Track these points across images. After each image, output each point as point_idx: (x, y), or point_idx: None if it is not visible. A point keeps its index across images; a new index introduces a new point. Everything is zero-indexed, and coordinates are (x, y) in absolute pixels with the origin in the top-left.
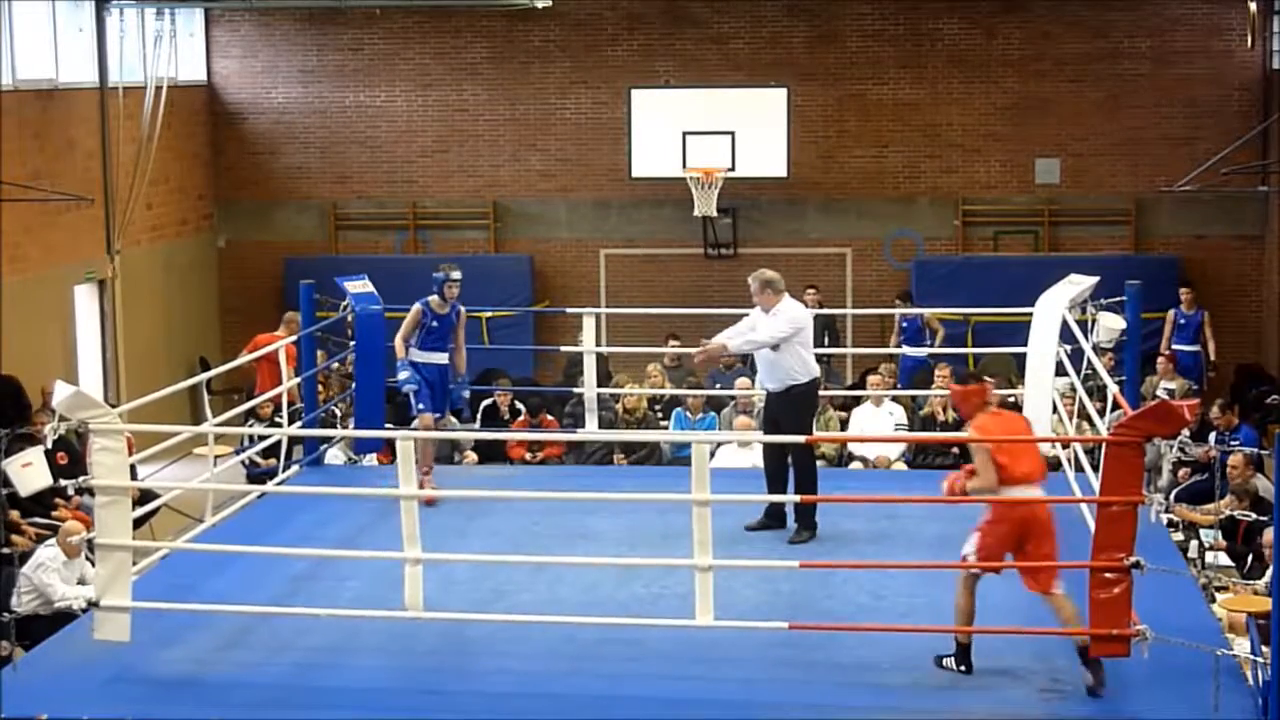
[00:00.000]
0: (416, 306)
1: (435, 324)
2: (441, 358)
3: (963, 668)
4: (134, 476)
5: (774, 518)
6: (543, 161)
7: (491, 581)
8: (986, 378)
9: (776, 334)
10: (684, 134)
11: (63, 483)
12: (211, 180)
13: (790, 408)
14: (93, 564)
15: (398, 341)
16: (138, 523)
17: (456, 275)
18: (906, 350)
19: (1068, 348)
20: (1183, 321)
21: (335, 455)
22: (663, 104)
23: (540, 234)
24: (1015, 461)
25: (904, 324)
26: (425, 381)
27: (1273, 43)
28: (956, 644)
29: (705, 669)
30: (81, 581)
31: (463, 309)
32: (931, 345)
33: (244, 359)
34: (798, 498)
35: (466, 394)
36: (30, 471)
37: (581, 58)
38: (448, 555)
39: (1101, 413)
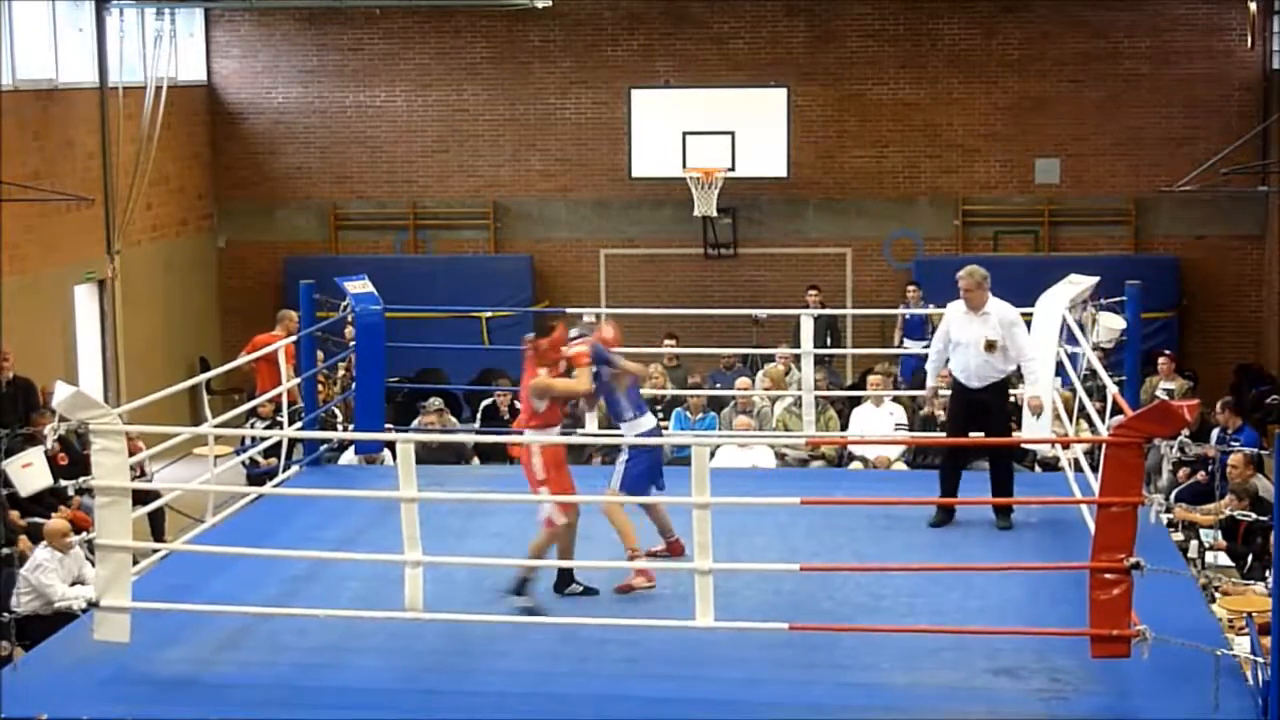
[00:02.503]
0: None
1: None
2: (646, 421)
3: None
4: (143, 475)
5: (947, 513)
6: (543, 161)
7: (491, 581)
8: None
9: (1029, 342)
10: (684, 134)
11: (63, 483)
12: (211, 180)
13: (1002, 402)
14: (93, 564)
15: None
16: (153, 526)
17: (587, 320)
18: (909, 346)
19: (1068, 348)
20: (909, 317)
21: (349, 456)
22: (663, 104)
23: (540, 234)
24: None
25: (908, 317)
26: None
27: (1273, 43)
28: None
29: (705, 669)
30: (80, 580)
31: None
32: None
33: (244, 359)
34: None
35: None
36: (30, 472)
37: (581, 58)
38: (448, 558)
39: (1101, 413)
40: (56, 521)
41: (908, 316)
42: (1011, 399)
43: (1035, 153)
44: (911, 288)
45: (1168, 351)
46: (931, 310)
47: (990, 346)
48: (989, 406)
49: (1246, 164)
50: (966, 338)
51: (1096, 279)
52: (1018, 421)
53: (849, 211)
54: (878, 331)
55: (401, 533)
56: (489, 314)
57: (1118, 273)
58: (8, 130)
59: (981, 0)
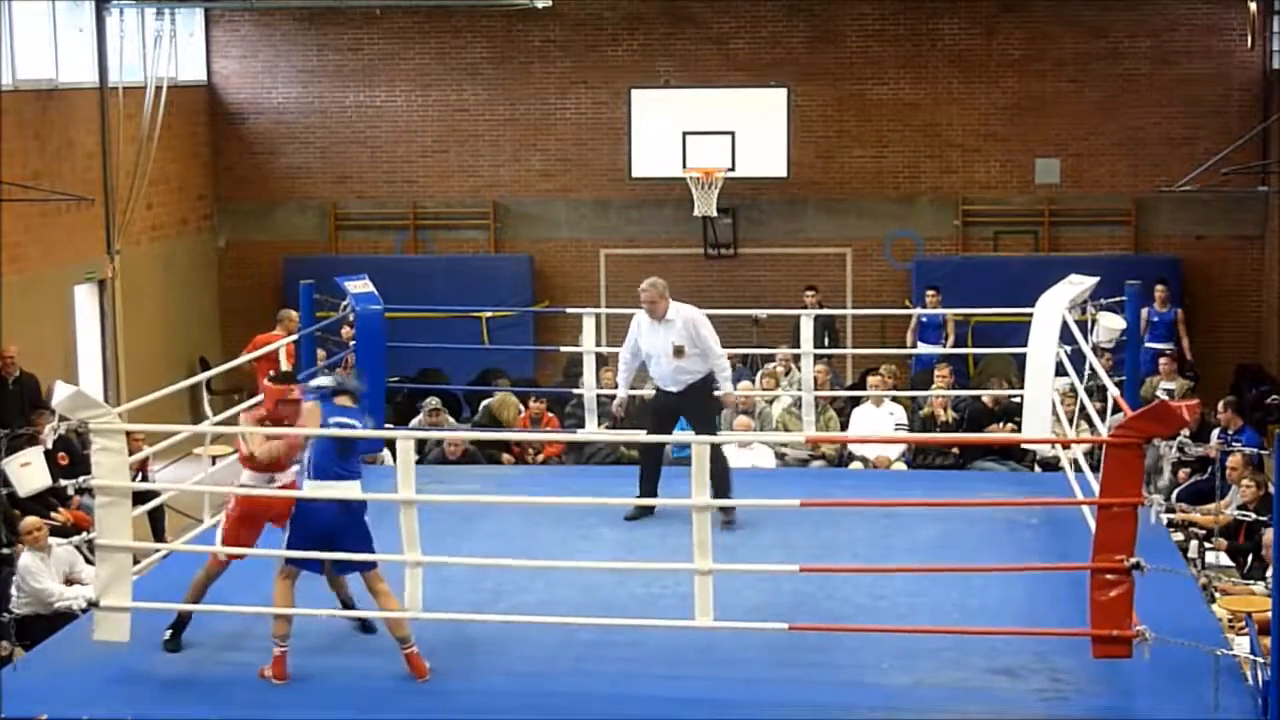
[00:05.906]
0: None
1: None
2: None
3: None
4: (145, 473)
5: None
6: (543, 161)
7: (491, 581)
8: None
9: (715, 342)
10: (684, 134)
11: (62, 482)
12: (211, 180)
13: (703, 403)
14: (90, 562)
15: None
16: (153, 526)
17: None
18: (923, 348)
19: (1068, 348)
20: (1155, 319)
21: None
22: (663, 104)
23: (540, 234)
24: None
25: (924, 319)
26: None
27: (1273, 43)
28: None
29: (705, 669)
30: (74, 577)
31: None
32: (944, 344)
33: (244, 359)
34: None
35: None
36: (30, 471)
37: (581, 58)
38: (447, 559)
39: (1101, 413)
40: (29, 520)
41: (924, 319)
42: (1017, 400)
43: (1035, 153)
44: (931, 292)
45: (1168, 351)
46: (948, 312)
47: (679, 352)
48: (689, 408)
49: (1246, 164)
50: (655, 347)
51: (1096, 279)
52: (1018, 424)
53: (849, 211)
54: (878, 331)
55: (401, 533)
56: (489, 314)
57: (1118, 273)
58: (8, 130)
59: (981, 0)
